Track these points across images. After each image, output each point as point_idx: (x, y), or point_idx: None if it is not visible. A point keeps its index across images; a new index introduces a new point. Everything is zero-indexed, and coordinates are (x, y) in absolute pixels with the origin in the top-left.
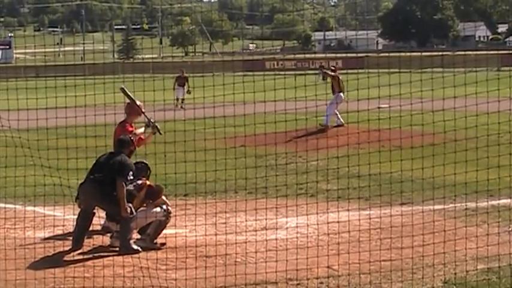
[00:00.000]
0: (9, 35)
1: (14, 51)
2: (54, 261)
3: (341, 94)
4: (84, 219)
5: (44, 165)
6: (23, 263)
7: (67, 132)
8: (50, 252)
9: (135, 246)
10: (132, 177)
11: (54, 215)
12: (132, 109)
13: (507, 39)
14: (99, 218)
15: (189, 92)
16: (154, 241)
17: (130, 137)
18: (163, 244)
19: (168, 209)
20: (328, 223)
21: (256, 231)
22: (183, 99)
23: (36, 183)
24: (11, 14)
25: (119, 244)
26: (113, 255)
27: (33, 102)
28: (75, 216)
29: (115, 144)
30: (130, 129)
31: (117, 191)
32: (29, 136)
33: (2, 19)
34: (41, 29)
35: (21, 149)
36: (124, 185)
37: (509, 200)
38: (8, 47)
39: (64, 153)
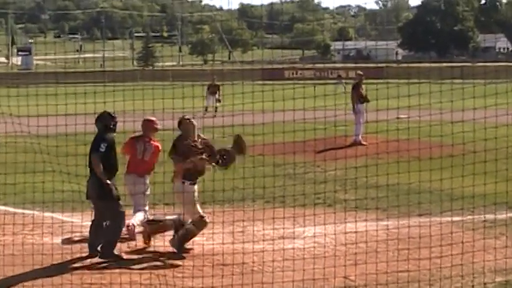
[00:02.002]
0: (30, 41)
1: (34, 57)
2: (72, 267)
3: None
4: (97, 225)
5: (62, 172)
6: (41, 269)
7: (86, 139)
8: (67, 258)
9: (116, 253)
10: (103, 149)
11: (72, 221)
12: (148, 126)
13: None
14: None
15: (219, 100)
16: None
17: (109, 113)
18: (189, 250)
19: (202, 217)
20: (345, 233)
21: (273, 240)
22: (216, 107)
23: (54, 190)
24: (31, 20)
25: (101, 247)
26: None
27: (52, 109)
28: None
29: None
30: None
31: (93, 166)
32: (48, 142)
33: (22, 25)
34: (61, 35)
35: (40, 155)
36: (97, 159)
37: None
38: (28, 53)
39: (83, 159)
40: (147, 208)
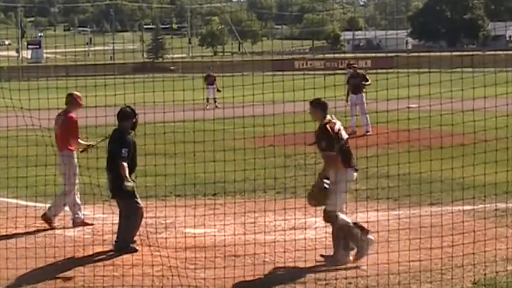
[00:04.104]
0: (40, 34)
1: (44, 50)
2: (84, 259)
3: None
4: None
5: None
6: (53, 261)
7: (97, 132)
8: (80, 250)
9: (132, 245)
10: (125, 155)
11: (84, 214)
12: (76, 100)
13: None
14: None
15: (219, 90)
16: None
17: (132, 108)
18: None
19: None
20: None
21: (285, 230)
22: (215, 99)
23: None
24: (41, 13)
25: (118, 240)
26: (142, 254)
27: (63, 102)
28: (105, 215)
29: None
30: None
31: (119, 170)
32: None
33: (32, 19)
34: (71, 28)
35: (51, 148)
36: (122, 165)
37: None
38: (38, 46)
39: (94, 152)
40: (75, 188)
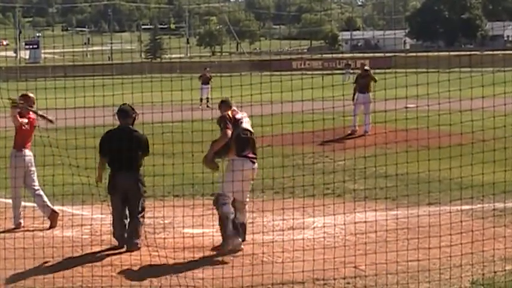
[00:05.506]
0: (37, 34)
1: (42, 51)
2: (82, 260)
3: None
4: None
5: (72, 165)
6: (51, 261)
7: (95, 132)
8: (78, 251)
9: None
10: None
11: (82, 214)
12: (31, 100)
13: None
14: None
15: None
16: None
17: (129, 105)
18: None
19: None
20: (355, 223)
21: (283, 231)
22: (208, 98)
23: (64, 183)
24: (39, 14)
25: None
26: (140, 255)
27: (61, 102)
28: (103, 216)
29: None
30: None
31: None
32: (58, 135)
33: (30, 19)
34: (69, 28)
35: (49, 148)
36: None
37: None
38: (36, 46)
39: (92, 152)
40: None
